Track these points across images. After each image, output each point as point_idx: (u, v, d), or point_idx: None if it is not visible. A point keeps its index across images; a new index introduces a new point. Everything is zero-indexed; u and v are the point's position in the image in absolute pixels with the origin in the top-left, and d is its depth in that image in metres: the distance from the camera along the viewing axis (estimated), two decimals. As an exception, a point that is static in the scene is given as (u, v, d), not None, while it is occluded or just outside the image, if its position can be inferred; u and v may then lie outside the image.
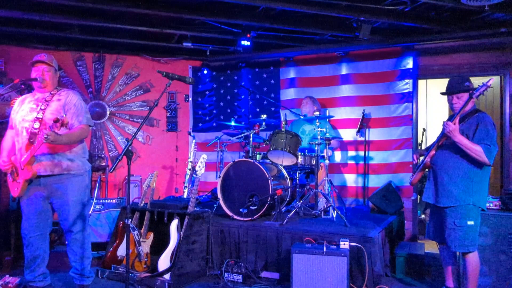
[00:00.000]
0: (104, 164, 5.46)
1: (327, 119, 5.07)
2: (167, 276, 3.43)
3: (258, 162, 4.01)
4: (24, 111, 2.99)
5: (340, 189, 5.25)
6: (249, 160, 4.06)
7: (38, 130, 2.88)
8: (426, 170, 3.13)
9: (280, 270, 3.57)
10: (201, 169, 3.80)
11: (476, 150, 2.76)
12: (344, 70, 5.41)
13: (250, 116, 5.20)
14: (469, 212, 2.84)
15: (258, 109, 5.91)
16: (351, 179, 5.38)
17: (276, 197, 3.83)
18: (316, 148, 4.21)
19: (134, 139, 2.50)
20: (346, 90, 5.39)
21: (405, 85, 5.02)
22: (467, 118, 2.90)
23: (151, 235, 3.79)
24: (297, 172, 4.32)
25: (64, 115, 2.78)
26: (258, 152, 4.48)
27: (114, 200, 4.50)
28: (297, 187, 4.27)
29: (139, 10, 4.21)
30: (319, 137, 4.19)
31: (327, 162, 4.42)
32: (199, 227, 3.70)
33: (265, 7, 4.28)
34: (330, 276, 3.05)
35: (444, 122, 2.91)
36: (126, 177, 2.89)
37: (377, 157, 5.20)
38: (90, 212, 4.18)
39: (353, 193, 5.35)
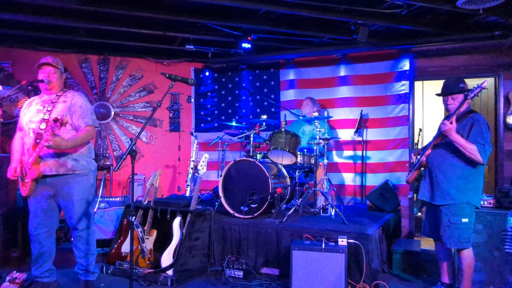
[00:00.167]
0: (108, 163, 5.50)
1: (326, 120, 5.11)
2: (170, 272, 3.46)
3: (259, 161, 4.03)
4: (31, 113, 3.03)
5: (338, 188, 5.29)
6: (250, 159, 4.08)
7: (44, 130, 2.91)
8: (422, 169, 3.14)
9: (280, 266, 3.59)
10: (203, 168, 3.84)
11: (471, 149, 2.78)
12: (342, 72, 5.46)
13: (251, 117, 5.20)
14: (464, 210, 2.87)
15: (258, 110, 5.96)
16: (349, 178, 5.41)
17: (276, 195, 3.86)
18: (315, 147, 4.23)
19: (138, 139, 2.51)
20: (344, 91, 5.44)
21: (402, 87, 5.06)
22: (462, 119, 2.92)
23: (154, 232, 3.82)
24: (297, 171, 4.33)
25: (64, 114, 2.81)
26: (258, 152, 4.51)
27: (118, 198, 4.53)
28: (296, 185, 4.28)
29: (142, 13, 4.26)
30: (318, 137, 4.22)
31: (325, 161, 4.45)
32: (201, 224, 3.73)
33: (266, 10, 4.33)
34: (328, 272, 3.06)
35: (441, 121, 2.94)
36: (130, 176, 2.90)
37: (375, 156, 5.23)
38: (95, 210, 4.21)
39: (351, 192, 5.38)
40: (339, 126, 5.48)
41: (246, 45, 4.94)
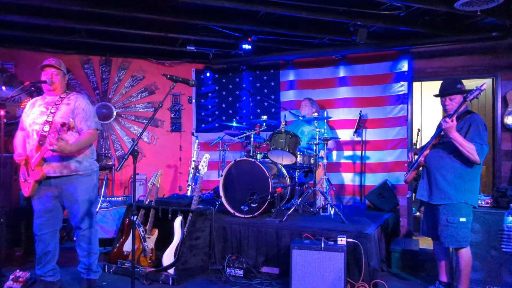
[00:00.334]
0: (110, 163, 5.54)
1: (325, 120, 5.13)
2: (171, 271, 3.47)
3: (259, 161, 4.05)
4: (34, 114, 3.04)
5: (338, 188, 5.32)
6: (250, 159, 4.09)
7: (47, 132, 2.93)
8: (420, 168, 3.16)
9: (280, 265, 3.60)
10: (204, 168, 3.86)
11: (469, 147, 2.79)
12: (341, 72, 5.48)
13: (251, 117, 5.20)
14: (462, 209, 2.89)
15: (258, 110, 5.99)
16: (348, 178, 5.43)
17: (276, 195, 3.87)
18: (314, 148, 4.26)
19: (139, 139, 2.53)
20: (343, 92, 5.46)
21: (401, 87, 5.09)
22: (460, 119, 2.94)
23: (155, 232, 3.83)
24: (296, 171, 4.33)
25: (71, 119, 2.83)
26: (258, 152, 4.52)
27: (120, 198, 4.56)
28: (296, 185, 4.28)
29: (144, 15, 4.28)
30: (317, 137, 4.24)
31: (325, 161, 4.47)
32: (202, 223, 3.75)
33: (266, 12, 4.35)
34: (328, 271, 3.08)
35: (442, 119, 2.95)
36: (132, 176, 2.92)
37: (374, 156, 5.26)
38: (97, 210, 4.21)
39: (350, 191, 5.41)
40: (338, 127, 5.50)
41: (246, 46, 4.96)
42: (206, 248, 3.80)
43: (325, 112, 5.47)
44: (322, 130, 4.40)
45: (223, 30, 4.94)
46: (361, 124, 5.21)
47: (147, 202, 4.04)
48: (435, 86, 3.35)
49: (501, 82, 4.70)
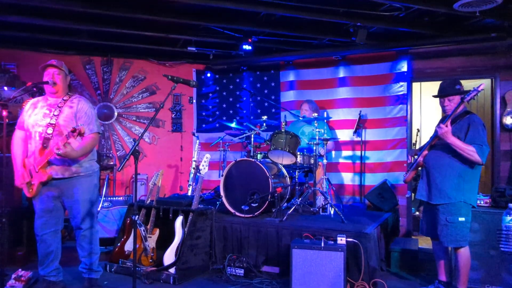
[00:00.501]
0: (112, 163, 5.56)
1: (325, 120, 5.15)
2: (172, 270, 3.50)
3: (259, 161, 4.07)
4: (37, 116, 3.03)
5: (337, 187, 5.33)
6: (251, 159, 4.11)
7: (51, 135, 2.95)
8: (419, 168, 3.17)
9: (280, 264, 3.61)
10: (204, 168, 3.88)
11: (469, 150, 2.81)
12: (341, 73, 5.50)
13: (252, 117, 5.24)
14: (461, 209, 2.90)
15: (259, 111, 6.00)
16: (348, 178, 5.45)
17: (276, 194, 3.89)
18: (314, 148, 4.27)
19: (141, 139, 2.53)
20: (343, 92, 5.48)
21: (400, 88, 5.11)
22: (458, 120, 2.95)
23: (157, 231, 3.85)
24: (296, 171, 4.35)
25: (81, 125, 2.83)
26: (259, 152, 4.53)
27: (121, 198, 4.57)
28: (296, 185, 4.30)
29: (145, 16, 4.29)
30: (317, 137, 4.26)
31: (325, 161, 4.48)
32: (202, 223, 3.77)
33: (266, 13, 4.36)
34: (328, 270, 3.10)
35: (436, 125, 2.96)
36: (133, 176, 2.99)
37: (373, 156, 5.28)
38: (98, 209, 4.20)
39: (350, 191, 5.42)
40: (338, 127, 5.52)
41: (246, 47, 4.98)
42: (207, 247, 3.82)
43: (325, 113, 5.47)
44: (322, 131, 4.41)
45: (224, 31, 4.95)
46: (360, 124, 5.22)
47: (148, 201, 4.06)
48: (434, 86, 3.37)
49: (500, 82, 4.71)
